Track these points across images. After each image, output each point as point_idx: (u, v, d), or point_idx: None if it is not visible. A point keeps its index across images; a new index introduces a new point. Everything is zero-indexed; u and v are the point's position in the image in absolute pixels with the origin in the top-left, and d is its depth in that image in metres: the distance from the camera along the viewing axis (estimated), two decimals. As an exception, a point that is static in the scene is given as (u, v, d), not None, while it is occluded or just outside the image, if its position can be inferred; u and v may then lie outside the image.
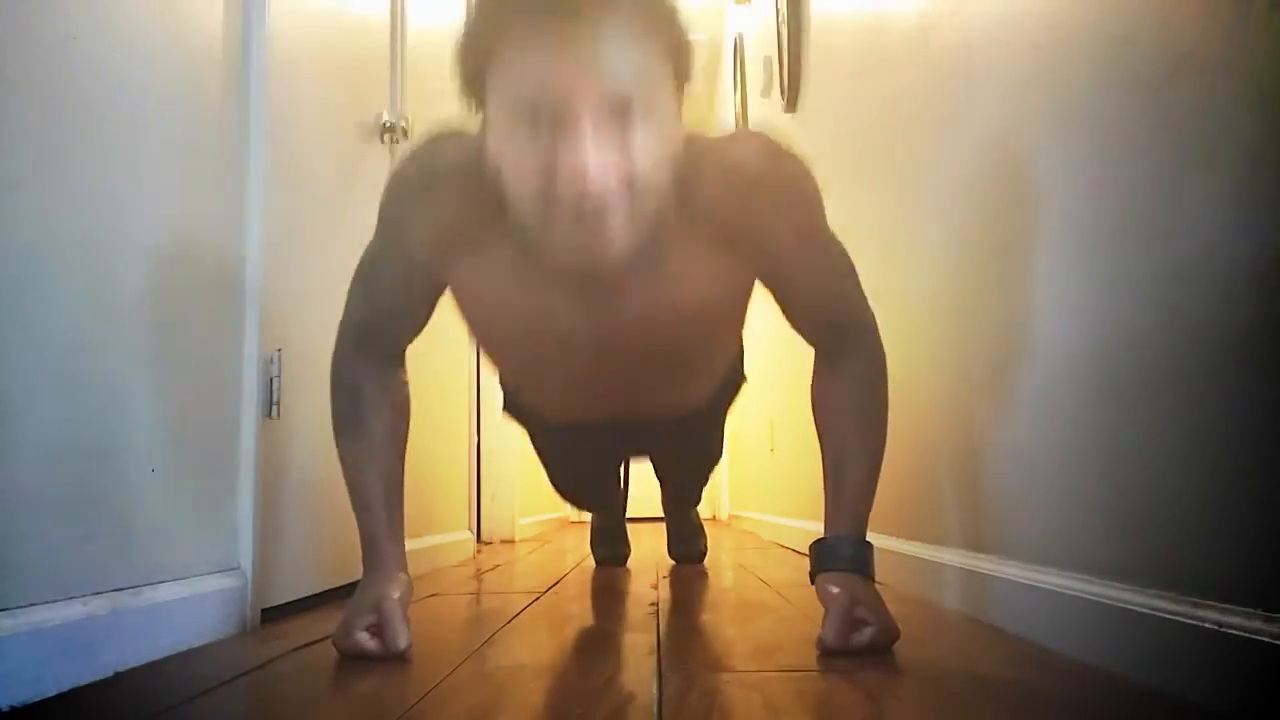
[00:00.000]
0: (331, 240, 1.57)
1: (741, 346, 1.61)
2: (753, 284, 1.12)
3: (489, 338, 1.19)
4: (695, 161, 0.96)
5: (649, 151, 0.87)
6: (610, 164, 0.84)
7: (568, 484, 1.88)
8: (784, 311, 1.12)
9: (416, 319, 1.14)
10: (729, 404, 1.66)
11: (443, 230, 1.03)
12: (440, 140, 1.04)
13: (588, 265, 0.92)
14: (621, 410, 1.35)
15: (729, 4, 4.18)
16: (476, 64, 0.90)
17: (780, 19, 2.68)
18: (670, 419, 1.45)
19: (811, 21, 2.40)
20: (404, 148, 1.98)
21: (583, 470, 1.82)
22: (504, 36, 0.86)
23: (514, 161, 0.87)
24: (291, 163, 1.41)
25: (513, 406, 1.63)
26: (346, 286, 1.13)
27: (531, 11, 0.84)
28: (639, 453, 1.81)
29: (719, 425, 1.74)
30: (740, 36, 3.90)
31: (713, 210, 1.00)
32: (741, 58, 3.90)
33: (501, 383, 1.56)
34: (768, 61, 3.08)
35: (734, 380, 1.60)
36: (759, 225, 1.02)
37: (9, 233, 0.81)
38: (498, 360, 1.27)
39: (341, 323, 1.14)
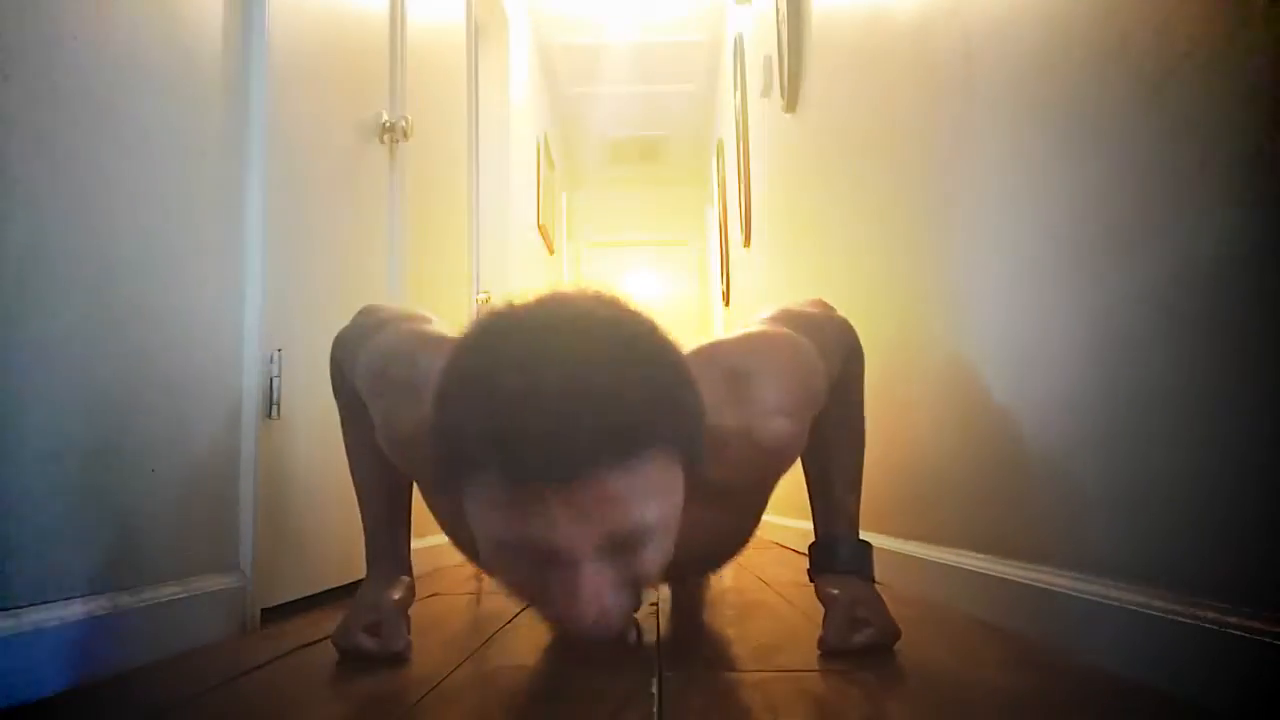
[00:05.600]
0: (331, 240, 1.57)
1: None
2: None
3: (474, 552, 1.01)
4: (716, 452, 0.79)
5: (656, 558, 0.73)
6: (610, 599, 0.71)
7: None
8: None
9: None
10: None
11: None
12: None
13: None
14: None
15: (729, 4, 4.18)
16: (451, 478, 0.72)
17: (780, 19, 2.68)
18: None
19: (811, 21, 2.39)
20: (403, 148, 1.99)
21: None
22: (481, 484, 0.68)
23: (504, 574, 0.75)
24: (291, 162, 1.41)
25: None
26: (346, 286, 1.12)
27: (515, 478, 0.65)
28: None
29: None
30: (740, 36, 3.90)
31: (733, 483, 0.91)
32: (741, 58, 3.90)
33: None
34: (768, 61, 3.08)
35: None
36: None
37: (9, 232, 0.81)
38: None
39: (334, 346, 1.07)
